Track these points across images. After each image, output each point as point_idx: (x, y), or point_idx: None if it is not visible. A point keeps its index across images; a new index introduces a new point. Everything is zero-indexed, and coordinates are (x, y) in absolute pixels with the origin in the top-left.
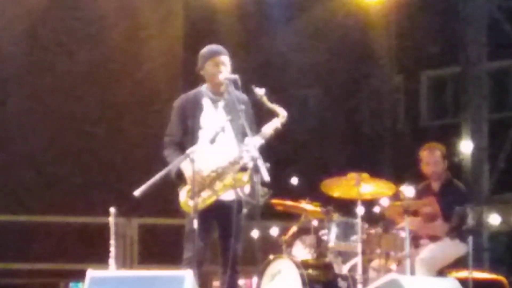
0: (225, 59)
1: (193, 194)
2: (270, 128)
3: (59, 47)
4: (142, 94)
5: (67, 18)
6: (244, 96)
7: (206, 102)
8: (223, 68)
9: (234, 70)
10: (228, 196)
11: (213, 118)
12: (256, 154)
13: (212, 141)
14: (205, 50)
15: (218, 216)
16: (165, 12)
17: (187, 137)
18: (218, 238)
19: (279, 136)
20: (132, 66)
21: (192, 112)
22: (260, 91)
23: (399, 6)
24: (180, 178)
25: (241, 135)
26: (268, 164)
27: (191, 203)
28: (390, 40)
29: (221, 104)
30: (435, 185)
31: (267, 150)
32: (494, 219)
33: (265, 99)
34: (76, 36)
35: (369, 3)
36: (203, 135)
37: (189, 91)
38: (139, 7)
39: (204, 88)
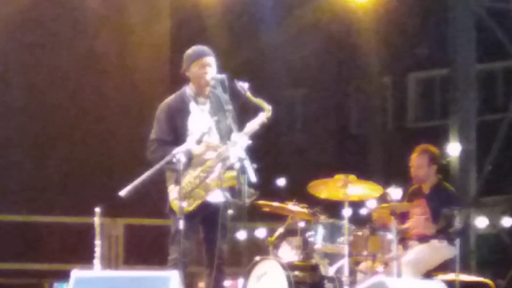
0: (211, 60)
1: (180, 196)
2: (255, 123)
3: (45, 48)
4: (129, 95)
5: (54, 18)
6: (226, 96)
7: (192, 105)
8: (209, 69)
9: (221, 70)
10: (214, 197)
11: (200, 121)
12: (243, 154)
13: (198, 142)
14: (190, 51)
15: (204, 217)
16: (152, 12)
17: (175, 140)
18: (203, 239)
19: (266, 136)
20: (119, 67)
21: (179, 115)
22: (244, 86)
23: (387, 8)
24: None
25: (227, 136)
26: (255, 165)
27: (184, 204)
28: (378, 42)
29: (207, 105)
30: (426, 188)
31: (254, 151)
32: (481, 222)
33: (249, 94)
34: (63, 38)
35: (357, 5)
36: (191, 137)
37: (176, 91)
38: (126, 8)
39: (188, 89)
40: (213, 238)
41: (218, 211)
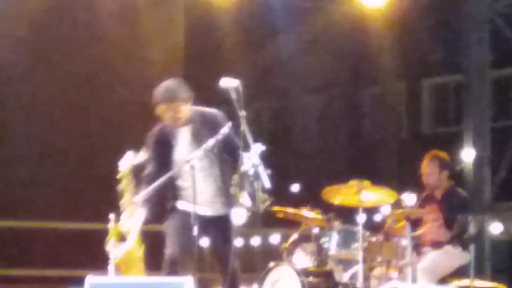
0: (162, 109)
1: (194, 199)
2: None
3: (59, 55)
4: (143, 103)
5: (68, 24)
6: (212, 112)
7: (177, 134)
8: (170, 115)
9: (235, 77)
10: (206, 211)
11: (184, 149)
12: (257, 160)
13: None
14: (156, 91)
15: (204, 230)
16: (166, 20)
17: (162, 170)
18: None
19: (280, 142)
20: (132, 74)
21: (163, 147)
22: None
23: (401, 13)
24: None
25: (220, 154)
26: (269, 171)
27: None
28: (392, 48)
29: (188, 133)
30: (438, 193)
31: (268, 157)
32: (495, 228)
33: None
34: (76, 44)
35: (371, 11)
36: (179, 167)
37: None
38: (140, 15)
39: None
40: (219, 249)
41: (216, 223)
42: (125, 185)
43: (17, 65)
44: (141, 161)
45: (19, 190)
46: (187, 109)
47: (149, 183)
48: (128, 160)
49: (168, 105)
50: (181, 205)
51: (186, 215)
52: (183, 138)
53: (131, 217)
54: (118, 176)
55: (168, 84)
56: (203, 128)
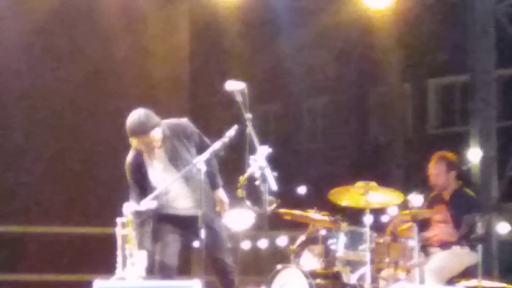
0: (142, 140)
1: (201, 204)
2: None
3: (62, 56)
4: (147, 107)
5: (73, 30)
6: (180, 123)
7: (150, 158)
8: (144, 146)
9: (240, 79)
10: (189, 211)
11: (161, 171)
12: (263, 163)
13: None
14: (128, 123)
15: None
16: (171, 23)
17: (144, 194)
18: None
19: (287, 144)
20: (138, 78)
21: (140, 172)
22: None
23: (406, 14)
24: None
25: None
26: (275, 173)
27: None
28: (397, 49)
29: (163, 154)
30: (446, 194)
31: (274, 159)
32: (503, 228)
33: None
34: (79, 46)
35: (376, 12)
36: (157, 189)
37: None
38: (144, 20)
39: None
40: (209, 248)
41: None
42: (128, 232)
43: (20, 68)
44: (145, 209)
45: (26, 196)
46: (159, 133)
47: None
48: (133, 207)
49: (141, 138)
50: (164, 209)
51: (171, 219)
52: (159, 159)
53: (134, 264)
54: (122, 222)
55: (136, 117)
56: (177, 143)
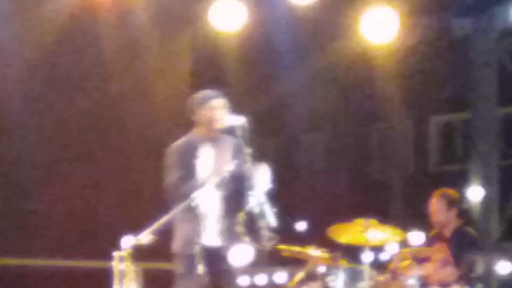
0: (218, 103)
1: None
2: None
3: (68, 87)
4: (149, 135)
5: (75, 58)
6: (242, 141)
7: (200, 148)
8: (218, 112)
9: (240, 114)
10: (213, 241)
11: (210, 164)
12: (262, 198)
13: (218, 186)
14: (197, 95)
15: (206, 262)
16: (173, 54)
17: (185, 183)
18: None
19: (286, 180)
20: (139, 107)
21: (188, 158)
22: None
23: (408, 51)
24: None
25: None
26: (275, 209)
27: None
28: (398, 86)
29: (215, 148)
30: (447, 232)
31: (274, 195)
32: (503, 267)
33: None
34: (84, 76)
35: (377, 48)
36: (203, 180)
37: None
38: (146, 49)
39: (196, 133)
40: (218, 282)
41: (218, 255)
42: (126, 266)
43: (26, 94)
44: (144, 242)
45: (26, 228)
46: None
47: (178, 188)
48: (131, 240)
49: (219, 101)
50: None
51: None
52: (208, 153)
53: None
54: (120, 256)
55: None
56: (231, 154)
